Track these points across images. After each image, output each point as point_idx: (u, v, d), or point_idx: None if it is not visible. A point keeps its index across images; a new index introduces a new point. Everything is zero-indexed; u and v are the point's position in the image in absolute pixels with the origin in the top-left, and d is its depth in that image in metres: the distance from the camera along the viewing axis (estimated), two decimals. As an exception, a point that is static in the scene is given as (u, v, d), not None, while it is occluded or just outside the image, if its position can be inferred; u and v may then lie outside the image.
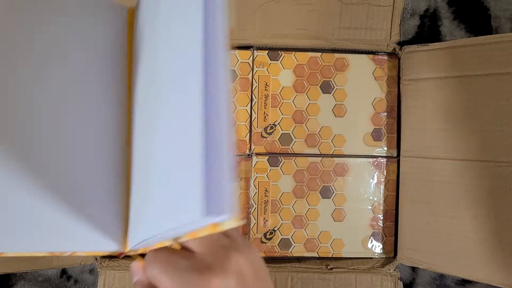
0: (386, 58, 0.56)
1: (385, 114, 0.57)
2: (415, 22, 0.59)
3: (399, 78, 0.56)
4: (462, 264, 0.49)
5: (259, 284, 0.24)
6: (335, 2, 0.54)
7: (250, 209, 0.55)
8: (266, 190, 0.55)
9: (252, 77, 0.55)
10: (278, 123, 0.56)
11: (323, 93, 0.56)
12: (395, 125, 0.57)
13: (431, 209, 0.51)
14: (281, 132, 0.56)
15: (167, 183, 0.19)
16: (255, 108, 0.55)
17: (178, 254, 0.23)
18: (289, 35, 0.54)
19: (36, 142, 0.22)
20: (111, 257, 0.54)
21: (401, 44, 0.55)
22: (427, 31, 0.59)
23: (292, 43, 0.55)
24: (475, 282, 0.54)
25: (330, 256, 0.56)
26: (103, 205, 0.24)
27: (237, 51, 0.55)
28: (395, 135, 0.57)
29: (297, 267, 0.54)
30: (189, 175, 0.17)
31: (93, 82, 0.24)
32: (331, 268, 0.54)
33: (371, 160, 0.57)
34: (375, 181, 0.57)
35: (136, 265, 0.25)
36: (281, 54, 0.56)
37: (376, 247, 0.56)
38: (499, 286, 0.46)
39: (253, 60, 0.55)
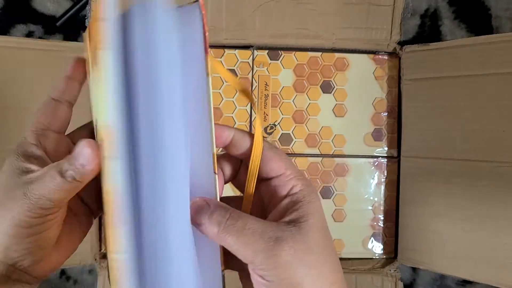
0: (386, 58, 0.56)
1: (386, 114, 0.56)
2: (415, 21, 0.58)
3: (399, 78, 0.56)
4: (462, 265, 0.48)
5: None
6: (335, 2, 0.53)
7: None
8: (266, 191, 0.55)
9: (252, 77, 0.55)
10: (278, 123, 0.55)
11: (324, 93, 0.56)
12: (395, 125, 0.56)
13: (431, 209, 0.51)
14: (281, 132, 0.55)
15: None
16: (255, 108, 0.55)
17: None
18: (289, 34, 0.54)
19: None
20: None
21: (402, 43, 0.55)
22: (427, 30, 0.59)
23: (292, 43, 0.55)
24: (476, 282, 0.54)
25: (330, 256, 0.56)
26: None
27: (237, 50, 0.55)
28: (396, 135, 0.56)
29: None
30: None
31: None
32: (331, 269, 0.53)
33: (371, 160, 0.56)
34: (376, 181, 0.56)
35: None
36: (281, 54, 0.55)
37: (377, 248, 0.56)
38: (499, 286, 0.46)
39: (253, 59, 0.55)
